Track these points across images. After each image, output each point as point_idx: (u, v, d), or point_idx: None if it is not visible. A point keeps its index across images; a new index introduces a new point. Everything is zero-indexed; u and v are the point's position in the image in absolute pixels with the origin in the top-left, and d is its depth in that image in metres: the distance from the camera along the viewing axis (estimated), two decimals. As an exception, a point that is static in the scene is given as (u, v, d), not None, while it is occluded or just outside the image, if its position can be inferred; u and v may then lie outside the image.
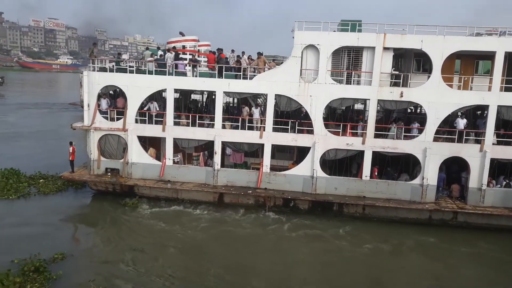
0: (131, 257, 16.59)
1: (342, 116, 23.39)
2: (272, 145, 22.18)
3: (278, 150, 23.48)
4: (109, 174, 22.95)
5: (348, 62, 21.48)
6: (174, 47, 23.34)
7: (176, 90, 22.85)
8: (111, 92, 23.59)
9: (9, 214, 20.35)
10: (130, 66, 22.46)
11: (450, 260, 18.21)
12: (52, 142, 35.81)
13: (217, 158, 22.13)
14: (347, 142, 21.51)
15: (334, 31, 21.57)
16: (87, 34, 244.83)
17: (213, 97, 22.54)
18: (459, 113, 21.67)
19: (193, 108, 24.46)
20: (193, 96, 26.56)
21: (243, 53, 23.56)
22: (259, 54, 22.09)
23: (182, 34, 24.77)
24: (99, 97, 22.65)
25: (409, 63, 22.50)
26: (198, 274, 15.70)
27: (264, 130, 21.86)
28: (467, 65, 21.83)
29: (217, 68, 21.80)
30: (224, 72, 21.78)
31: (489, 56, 20.89)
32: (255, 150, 22.66)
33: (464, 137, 21.07)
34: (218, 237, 18.99)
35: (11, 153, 31.26)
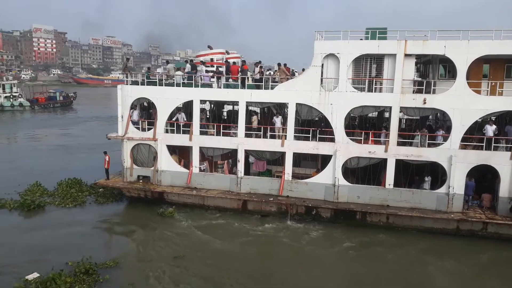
0: (173, 264, 17.31)
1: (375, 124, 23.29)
2: (297, 153, 22.53)
3: (304, 159, 23.79)
4: (141, 181, 24.31)
5: (370, 69, 21.44)
6: (202, 61, 24.44)
7: (210, 102, 23.87)
8: (145, 104, 25.12)
9: (64, 221, 21.88)
10: (159, 80, 23.79)
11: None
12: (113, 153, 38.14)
13: (240, 166, 22.79)
14: (369, 150, 21.38)
15: (361, 39, 21.66)
16: (142, 50, 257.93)
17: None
18: (490, 119, 20.83)
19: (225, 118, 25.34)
20: (226, 107, 27.49)
21: (279, 64, 23.92)
22: (279, 64, 22.63)
23: (210, 47, 25.92)
24: (132, 108, 24.17)
25: (435, 69, 22.04)
26: (234, 281, 16.21)
27: (285, 139, 22.26)
28: (496, 69, 21.01)
29: (239, 79, 22.59)
30: (246, 83, 22.55)
31: (506, 60, 20.04)
32: (278, 158, 23.05)
33: (493, 144, 20.23)
34: (247, 246, 19.37)
35: (75, 164, 33.72)
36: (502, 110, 20.14)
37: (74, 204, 23.92)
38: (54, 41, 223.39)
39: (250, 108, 23.31)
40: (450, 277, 17.08)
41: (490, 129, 20.24)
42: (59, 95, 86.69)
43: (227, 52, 28.56)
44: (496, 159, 20.13)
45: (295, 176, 23.18)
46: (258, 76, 22.37)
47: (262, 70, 23.14)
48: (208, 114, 24.75)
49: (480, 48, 19.60)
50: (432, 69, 22.71)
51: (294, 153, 22.48)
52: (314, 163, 23.97)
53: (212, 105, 26.30)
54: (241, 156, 22.73)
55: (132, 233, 20.58)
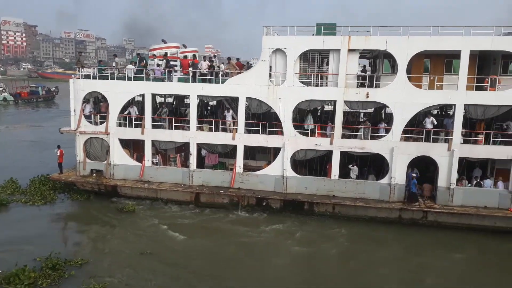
0: (139, 260, 17.27)
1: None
2: (251, 146, 23.01)
3: (258, 152, 24.32)
4: (94, 175, 24.35)
5: (316, 64, 22.04)
6: (154, 55, 24.55)
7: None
8: (99, 97, 25.09)
9: (26, 219, 21.35)
10: (111, 73, 23.82)
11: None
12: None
13: (193, 159, 23.13)
14: (316, 143, 22.03)
15: (313, 34, 22.20)
16: (116, 44, 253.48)
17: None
18: (429, 112, 21.73)
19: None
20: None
21: (229, 59, 24.46)
22: (229, 59, 23.02)
23: (164, 41, 26.04)
24: (84, 102, 24.14)
25: (380, 64, 22.83)
26: (200, 276, 16.38)
27: (236, 132, 22.69)
28: (436, 64, 21.94)
29: (191, 73, 22.87)
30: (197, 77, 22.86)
31: (458, 55, 20.96)
32: (231, 151, 23.44)
33: (432, 137, 21.17)
34: (206, 239, 19.54)
35: (53, 159, 32.82)
36: (440, 103, 21.11)
37: (44, 202, 23.48)
38: (24, 34, 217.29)
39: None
40: (391, 264, 17.89)
41: (429, 122, 21.16)
42: (41, 90, 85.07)
43: (185, 46, 28.71)
44: (435, 150, 21.08)
45: (248, 168, 23.70)
46: (206, 71, 22.63)
47: (213, 64, 23.42)
48: (164, 108, 24.80)
49: (419, 43, 20.43)
50: (378, 64, 23.50)
51: (246, 146, 22.94)
52: (267, 155, 24.49)
53: (173, 99, 26.49)
54: (193, 150, 23.05)
55: (96, 229, 20.36)
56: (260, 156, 24.59)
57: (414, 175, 21.53)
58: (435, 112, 24.13)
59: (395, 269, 17.56)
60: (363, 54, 24.82)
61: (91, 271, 16.26)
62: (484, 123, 21.01)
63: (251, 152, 24.09)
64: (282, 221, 21.46)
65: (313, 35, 22.03)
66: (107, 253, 18.01)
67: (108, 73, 23.86)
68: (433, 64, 21.95)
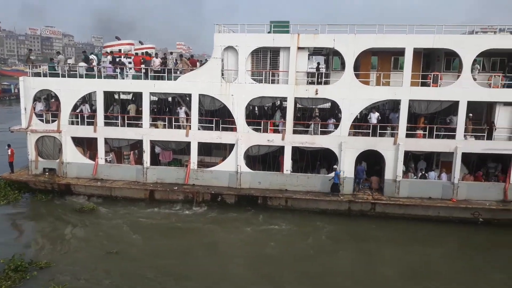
0: (105, 260, 17.09)
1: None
2: (207, 143, 23.22)
3: (215, 148, 24.56)
4: (46, 173, 23.99)
5: (268, 62, 22.41)
6: (110, 51, 24.38)
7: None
8: (52, 95, 24.70)
9: None
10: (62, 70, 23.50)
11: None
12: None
13: (146, 157, 23.14)
14: (268, 139, 22.44)
15: (269, 32, 22.51)
16: (85, 41, 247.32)
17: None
18: (375, 107, 22.50)
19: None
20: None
21: (180, 56, 24.59)
22: (181, 56, 23.13)
23: (118, 38, 25.88)
24: (35, 100, 23.73)
25: (330, 61, 23.44)
26: (163, 273, 16.31)
27: (190, 129, 22.84)
28: (384, 61, 22.70)
29: (143, 70, 22.84)
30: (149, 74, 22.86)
31: (404, 53, 21.73)
32: (184, 148, 23.57)
33: (379, 131, 21.93)
34: (166, 236, 19.59)
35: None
36: (386, 99, 21.89)
37: (7, 202, 22.77)
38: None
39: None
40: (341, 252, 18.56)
41: (374, 117, 21.92)
42: (13, 88, 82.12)
43: (141, 43, 28.58)
44: (381, 144, 21.85)
45: (204, 165, 23.91)
46: (158, 68, 22.66)
47: (166, 61, 23.46)
48: (116, 105, 24.73)
49: (366, 41, 21.10)
50: (329, 61, 24.11)
51: (200, 143, 23.13)
52: (223, 152, 24.74)
53: (132, 97, 26.34)
54: (146, 147, 23.06)
55: (60, 230, 19.95)
56: (216, 152, 24.88)
57: (363, 167, 22.36)
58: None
59: (344, 257, 18.30)
60: (319, 51, 25.41)
61: (56, 272, 15.99)
62: (424, 118, 21.87)
63: (207, 149, 24.33)
64: (237, 216, 21.78)
65: (268, 32, 22.41)
66: (72, 254, 17.73)
67: (59, 71, 23.51)
68: (381, 61, 22.70)
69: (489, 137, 21.36)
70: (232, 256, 17.97)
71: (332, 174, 21.90)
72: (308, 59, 23.65)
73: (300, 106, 22.64)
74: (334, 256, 18.29)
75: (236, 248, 18.76)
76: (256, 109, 26.30)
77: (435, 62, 23.33)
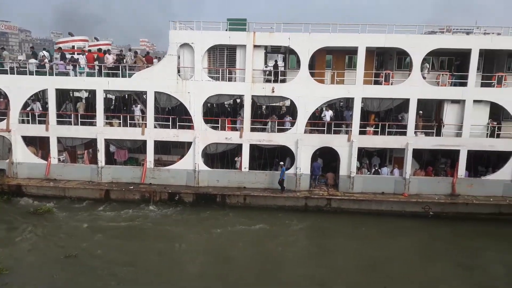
0: (64, 263, 16.52)
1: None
2: (166, 141, 22.96)
3: (173, 146, 24.28)
4: (-5, 174, 23.05)
5: (225, 59, 22.39)
6: (59, 48, 23.63)
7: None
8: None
9: None
10: (11, 68, 22.57)
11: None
12: None
13: (101, 156, 22.64)
14: (226, 136, 22.45)
15: (227, 30, 22.44)
16: (44, 36, 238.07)
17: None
18: (329, 105, 22.93)
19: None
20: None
21: (135, 52, 24.20)
22: (136, 53, 22.76)
23: (71, 34, 25.14)
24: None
25: (287, 59, 23.72)
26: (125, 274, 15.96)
27: (145, 127, 22.52)
28: (338, 60, 23.17)
29: (96, 67, 22.30)
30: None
31: (357, 51, 22.24)
32: (140, 147, 23.21)
33: (333, 128, 22.39)
34: (125, 235, 19.19)
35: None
36: (340, 97, 22.38)
37: None
38: None
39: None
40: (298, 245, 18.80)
41: (328, 115, 22.38)
42: None
43: (96, 39, 27.87)
44: (336, 141, 22.33)
45: (162, 163, 23.64)
46: (112, 65, 22.21)
47: (123, 58, 23.02)
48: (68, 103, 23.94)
49: (320, 40, 21.44)
50: (287, 60, 24.39)
51: (157, 141, 22.85)
52: (182, 150, 24.51)
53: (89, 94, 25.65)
54: (101, 146, 22.56)
55: (15, 233, 19.11)
56: (175, 150, 24.60)
57: (319, 164, 22.80)
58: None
59: (300, 249, 18.67)
60: (277, 49, 25.60)
61: (10, 280, 15.22)
62: (374, 115, 22.51)
63: (165, 147, 24.05)
64: (195, 215, 21.65)
65: (226, 30, 22.38)
66: (28, 259, 16.94)
67: (7, 67, 22.57)
68: (335, 60, 23.16)
69: (438, 133, 22.25)
70: (192, 257, 17.81)
71: (291, 171, 22.18)
72: (268, 57, 23.90)
73: (258, 104, 22.77)
74: (291, 254, 18.45)
75: (194, 249, 18.59)
76: (215, 106, 26.20)
77: (387, 61, 24.05)
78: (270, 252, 18.21)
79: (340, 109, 24.99)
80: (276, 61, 27.04)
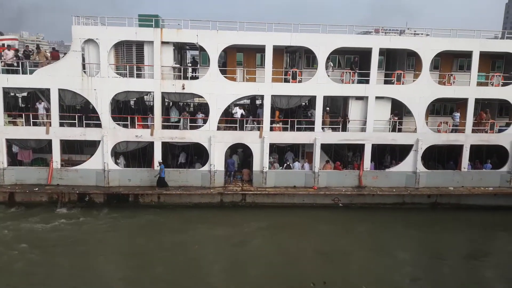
0: None
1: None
2: (75, 140, 22.17)
3: (88, 145, 23.41)
4: None
5: (133, 56, 21.95)
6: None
7: None
8: None
9: None
10: None
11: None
12: None
13: (2, 157, 21.44)
14: (136, 134, 22.07)
15: (139, 25, 21.85)
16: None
17: None
18: (244, 103, 23.33)
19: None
20: None
21: (37, 47, 23.06)
22: (38, 48, 21.73)
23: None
24: None
25: (199, 56, 23.71)
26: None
27: (50, 125, 21.59)
28: (248, 58, 23.50)
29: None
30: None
31: (257, 50, 22.61)
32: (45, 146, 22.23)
33: (245, 125, 22.74)
34: (35, 242, 18.19)
35: None
36: (251, 94, 22.76)
37: None
38: None
39: None
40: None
41: (239, 112, 22.69)
42: None
43: (1, 34, 26.26)
44: (248, 138, 22.69)
45: (73, 163, 22.79)
46: (10, 61, 21.05)
47: (26, 53, 21.86)
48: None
49: (228, 38, 21.61)
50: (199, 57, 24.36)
51: (63, 140, 22.01)
52: (95, 149, 23.76)
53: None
54: (2, 146, 21.37)
55: None
56: (89, 150, 23.74)
57: (234, 160, 23.09)
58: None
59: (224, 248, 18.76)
60: (193, 46, 25.43)
61: None
62: (279, 112, 23.15)
63: (79, 146, 23.21)
64: (107, 216, 21.17)
65: (139, 26, 21.89)
66: None
67: None
68: (246, 58, 23.48)
69: (344, 128, 23.27)
70: (107, 260, 17.36)
71: (206, 168, 22.23)
72: (179, 53, 23.70)
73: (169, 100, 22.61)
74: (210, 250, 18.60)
75: (108, 251, 18.16)
76: (134, 103, 25.62)
77: (298, 60, 24.75)
78: (188, 252, 18.12)
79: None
80: (194, 57, 26.91)
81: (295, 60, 25.04)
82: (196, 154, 23.49)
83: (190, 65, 24.50)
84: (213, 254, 18.17)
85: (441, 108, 25.06)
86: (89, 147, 23.68)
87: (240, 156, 25.39)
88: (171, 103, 25.38)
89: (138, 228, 20.15)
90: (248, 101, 26.30)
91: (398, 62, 24.32)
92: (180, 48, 25.72)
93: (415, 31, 29.65)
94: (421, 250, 19.49)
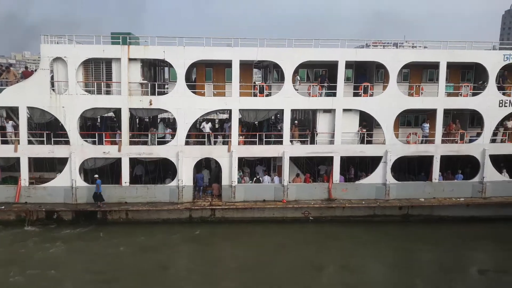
0: None
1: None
2: (48, 158, 22.29)
3: (60, 163, 23.45)
4: None
5: (101, 73, 22.21)
6: None
7: None
8: None
9: None
10: None
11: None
12: None
13: (-31, 175, 21.51)
14: (104, 151, 22.16)
15: (112, 43, 22.19)
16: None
17: None
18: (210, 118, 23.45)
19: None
20: None
21: (7, 67, 23.43)
22: (8, 67, 22.07)
23: None
24: None
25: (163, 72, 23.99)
26: None
27: (18, 144, 21.72)
28: (218, 73, 23.74)
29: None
30: None
31: (226, 65, 22.73)
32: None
33: (213, 139, 22.84)
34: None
35: None
36: (218, 108, 22.97)
37: None
38: None
39: None
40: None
41: (207, 127, 22.83)
42: None
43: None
44: (216, 152, 22.76)
45: (44, 181, 22.82)
46: (-23, 80, 21.36)
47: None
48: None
49: (194, 53, 21.89)
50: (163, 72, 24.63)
51: (32, 158, 22.11)
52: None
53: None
54: (-31, 165, 21.46)
55: None
56: (60, 167, 23.81)
57: (202, 175, 23.08)
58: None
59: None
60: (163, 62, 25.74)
61: None
62: (242, 126, 23.33)
63: (49, 164, 23.27)
64: (74, 234, 21.15)
65: (112, 44, 22.23)
66: None
67: None
68: (215, 73, 23.72)
69: (313, 141, 23.34)
70: (74, 278, 17.21)
71: (174, 183, 22.23)
72: (151, 70, 23.96)
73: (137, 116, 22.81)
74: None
75: (77, 269, 18.00)
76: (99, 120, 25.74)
77: (268, 74, 25.01)
78: (156, 268, 18.04)
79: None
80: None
81: (266, 74, 25.27)
82: (166, 169, 23.53)
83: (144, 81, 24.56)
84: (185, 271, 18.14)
85: (411, 120, 25.14)
86: (61, 164, 23.77)
87: (214, 170, 25.47)
88: (159, 119, 25.67)
89: (104, 245, 20.07)
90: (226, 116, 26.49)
91: (368, 75, 24.54)
92: (153, 65, 26.04)
93: (413, 43, 29.92)
94: (392, 263, 19.33)
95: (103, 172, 22.81)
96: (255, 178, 23.50)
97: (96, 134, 22.27)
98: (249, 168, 24.40)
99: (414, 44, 29.77)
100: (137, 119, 25.46)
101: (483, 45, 26.06)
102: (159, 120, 26.02)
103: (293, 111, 23.68)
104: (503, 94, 23.87)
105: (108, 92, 22.28)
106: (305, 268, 18.37)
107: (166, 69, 29.33)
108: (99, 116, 23.71)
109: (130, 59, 21.71)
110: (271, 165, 24.58)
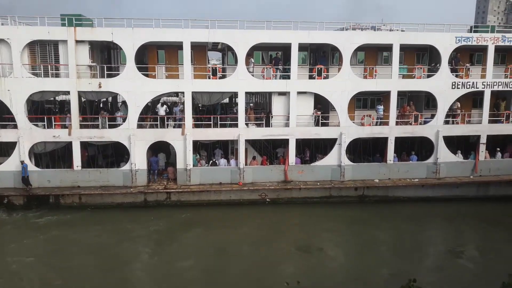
0: None
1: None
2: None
3: (13, 147, 22.96)
4: None
5: (48, 55, 21.62)
6: None
7: None
8: None
9: None
10: None
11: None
12: None
13: None
14: (54, 135, 21.75)
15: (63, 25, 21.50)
16: None
17: None
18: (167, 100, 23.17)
19: None
20: None
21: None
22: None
23: None
24: None
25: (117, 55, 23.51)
26: None
27: (-37, 128, 21.16)
28: (170, 55, 23.37)
29: None
30: None
31: (178, 47, 22.34)
32: None
33: (166, 122, 22.61)
34: None
35: None
36: (170, 91, 22.69)
37: None
38: None
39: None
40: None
41: (162, 109, 22.58)
42: None
43: None
44: (169, 135, 22.56)
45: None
46: None
47: None
48: None
49: (143, 35, 21.44)
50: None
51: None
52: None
53: None
54: None
55: None
56: (12, 152, 23.32)
57: (157, 158, 22.90)
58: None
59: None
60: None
61: None
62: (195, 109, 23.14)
63: (4, 148, 22.77)
64: (27, 219, 20.83)
65: (63, 25, 21.56)
66: None
67: None
68: (168, 55, 23.36)
69: (268, 124, 23.31)
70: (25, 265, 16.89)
71: (127, 167, 22.02)
72: (105, 52, 23.43)
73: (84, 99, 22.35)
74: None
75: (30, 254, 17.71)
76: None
77: (225, 57, 24.72)
78: (113, 255, 17.90)
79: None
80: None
81: (225, 57, 24.99)
82: (123, 154, 23.25)
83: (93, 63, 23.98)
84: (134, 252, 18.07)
85: (366, 102, 25.27)
86: (12, 149, 23.27)
87: (172, 154, 25.27)
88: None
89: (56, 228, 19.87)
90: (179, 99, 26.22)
91: (325, 57, 24.47)
92: (107, 48, 25.44)
93: (390, 27, 29.78)
94: (350, 244, 19.55)
95: (54, 156, 22.43)
96: (211, 161, 23.41)
97: (45, 117, 21.79)
98: (207, 151, 24.31)
99: (392, 28, 29.61)
100: (97, 103, 25.06)
101: (461, 27, 25.92)
102: (120, 104, 25.40)
103: (248, 94, 23.54)
104: (456, 76, 24.13)
105: (57, 75, 21.76)
106: (263, 251, 18.43)
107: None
108: (57, 100, 23.09)
109: (77, 41, 21.16)
110: (228, 148, 24.52)
